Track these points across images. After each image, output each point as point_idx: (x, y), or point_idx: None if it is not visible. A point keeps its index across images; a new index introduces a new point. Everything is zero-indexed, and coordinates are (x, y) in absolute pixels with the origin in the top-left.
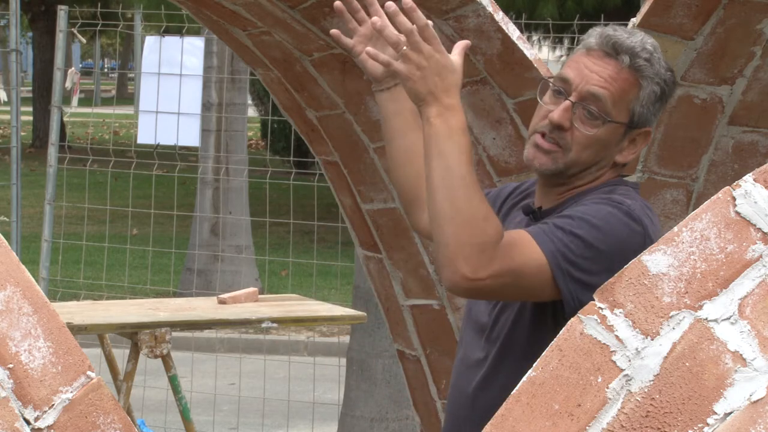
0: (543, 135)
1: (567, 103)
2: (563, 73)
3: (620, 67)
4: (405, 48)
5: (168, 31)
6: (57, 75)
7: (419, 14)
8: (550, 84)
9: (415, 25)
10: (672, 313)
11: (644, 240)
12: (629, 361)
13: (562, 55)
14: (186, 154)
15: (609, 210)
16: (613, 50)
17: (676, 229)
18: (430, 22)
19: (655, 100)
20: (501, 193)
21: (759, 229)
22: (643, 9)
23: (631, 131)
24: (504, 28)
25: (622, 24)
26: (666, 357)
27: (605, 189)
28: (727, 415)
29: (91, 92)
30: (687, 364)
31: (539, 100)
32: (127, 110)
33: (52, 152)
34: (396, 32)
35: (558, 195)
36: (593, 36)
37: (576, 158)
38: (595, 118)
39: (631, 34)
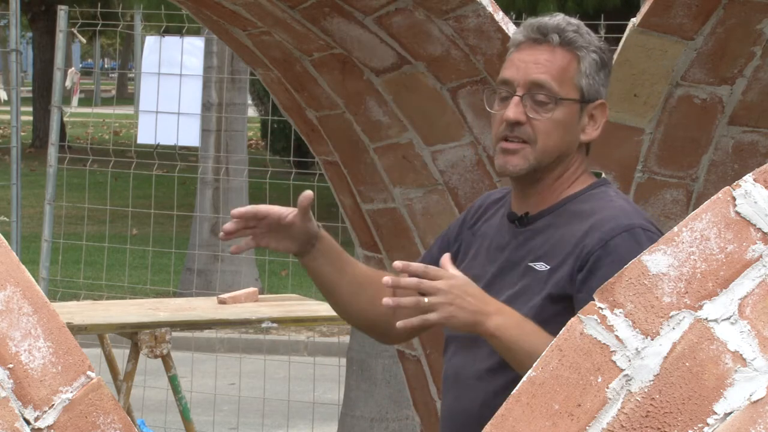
0: (506, 139)
1: (516, 98)
2: (502, 76)
3: (552, 47)
4: (425, 300)
5: (168, 31)
6: (57, 75)
7: (412, 266)
8: (495, 92)
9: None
10: (672, 313)
11: None
12: (629, 361)
13: None
14: (186, 154)
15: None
16: (539, 34)
17: (676, 229)
18: (422, 265)
19: (598, 68)
20: (454, 228)
21: (759, 229)
22: (643, 9)
23: (585, 106)
24: (504, 28)
25: (623, 24)
26: (666, 357)
27: (594, 192)
28: (727, 415)
29: (91, 92)
30: (687, 364)
31: (489, 110)
32: (127, 110)
33: (52, 152)
34: (406, 299)
35: (538, 195)
36: (518, 32)
37: (544, 147)
38: (546, 103)
39: (553, 16)
